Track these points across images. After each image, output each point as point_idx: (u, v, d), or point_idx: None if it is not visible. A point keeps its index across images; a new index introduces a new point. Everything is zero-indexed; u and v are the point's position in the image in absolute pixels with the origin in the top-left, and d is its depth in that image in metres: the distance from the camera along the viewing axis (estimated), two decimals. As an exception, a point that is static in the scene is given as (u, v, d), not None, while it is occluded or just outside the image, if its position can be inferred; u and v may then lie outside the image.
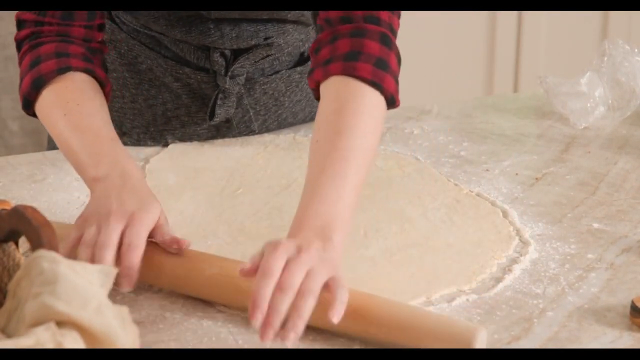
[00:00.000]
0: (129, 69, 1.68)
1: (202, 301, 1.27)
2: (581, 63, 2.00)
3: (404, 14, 1.46)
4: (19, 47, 1.50)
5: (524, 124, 1.82)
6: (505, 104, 1.92)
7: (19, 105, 3.11)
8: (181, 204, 1.51)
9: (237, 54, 1.64)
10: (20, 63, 1.48)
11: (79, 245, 1.24)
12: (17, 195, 1.52)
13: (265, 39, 1.65)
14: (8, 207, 1.15)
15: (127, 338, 1.01)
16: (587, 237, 1.44)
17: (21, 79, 1.46)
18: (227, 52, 1.63)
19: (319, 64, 1.37)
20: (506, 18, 3.34)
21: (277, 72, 1.69)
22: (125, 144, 1.68)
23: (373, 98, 1.33)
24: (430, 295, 1.29)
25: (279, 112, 1.72)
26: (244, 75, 1.65)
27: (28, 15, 1.48)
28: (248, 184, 1.57)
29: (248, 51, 1.65)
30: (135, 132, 1.70)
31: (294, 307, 1.12)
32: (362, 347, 1.19)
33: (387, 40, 1.36)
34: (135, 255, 1.22)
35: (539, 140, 1.75)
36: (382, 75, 1.34)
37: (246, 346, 1.19)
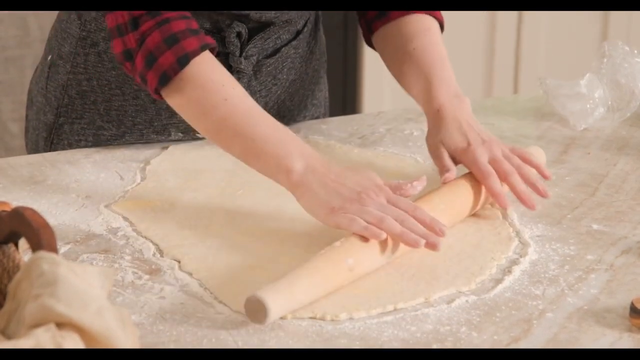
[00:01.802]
0: None
1: (202, 303, 1.27)
2: (581, 65, 2.00)
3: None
4: (135, 23, 1.46)
5: (523, 126, 1.82)
6: (505, 106, 1.93)
7: (19, 107, 3.11)
8: (181, 204, 1.52)
9: (252, 34, 1.65)
10: (141, 40, 1.46)
11: (382, 224, 1.31)
12: (17, 196, 1.52)
13: (283, 22, 1.66)
14: (8, 209, 1.15)
15: (127, 339, 1.01)
16: (587, 238, 1.44)
17: (153, 57, 1.45)
18: (243, 32, 1.63)
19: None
20: (506, 20, 3.34)
21: (278, 50, 1.69)
22: (127, 141, 1.69)
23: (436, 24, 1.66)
24: (429, 297, 1.29)
25: (278, 92, 1.72)
26: (256, 56, 1.66)
27: None
28: (248, 185, 1.57)
29: (264, 30, 1.65)
30: (137, 129, 1.69)
31: (524, 178, 1.46)
32: (363, 347, 1.19)
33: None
34: (423, 210, 1.36)
35: (539, 141, 1.75)
36: (433, 10, 1.65)
37: (246, 347, 1.19)
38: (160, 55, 1.45)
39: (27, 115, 1.80)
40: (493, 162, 1.48)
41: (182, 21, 1.47)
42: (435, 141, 1.53)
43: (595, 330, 1.23)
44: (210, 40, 1.47)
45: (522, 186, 1.46)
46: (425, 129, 1.79)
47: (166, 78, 1.45)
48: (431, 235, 1.33)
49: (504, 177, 1.46)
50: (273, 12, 1.62)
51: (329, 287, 1.27)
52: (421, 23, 1.64)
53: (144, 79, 1.47)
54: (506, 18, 3.34)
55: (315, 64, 1.79)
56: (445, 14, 1.69)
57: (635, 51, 1.82)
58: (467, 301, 1.29)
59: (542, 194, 1.46)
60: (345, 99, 3.28)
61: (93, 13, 1.66)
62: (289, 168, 1.38)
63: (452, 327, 1.23)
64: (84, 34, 1.67)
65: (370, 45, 1.71)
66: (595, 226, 1.47)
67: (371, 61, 3.22)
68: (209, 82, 1.44)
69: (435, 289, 1.30)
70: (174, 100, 1.47)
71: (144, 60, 1.46)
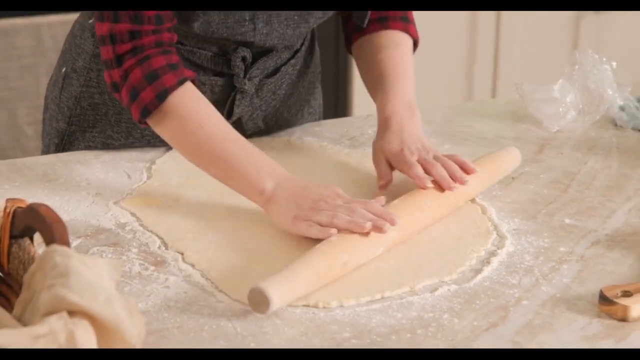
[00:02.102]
0: None
1: (204, 292, 1.27)
2: (554, 71, 2.00)
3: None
4: (119, 60, 1.48)
5: (501, 128, 1.82)
6: (484, 109, 1.92)
7: (34, 111, 3.11)
8: (184, 201, 1.51)
9: (255, 58, 1.64)
10: (124, 76, 1.47)
11: (335, 221, 1.33)
12: (32, 194, 1.52)
13: (285, 47, 1.66)
14: (23, 205, 1.14)
15: (134, 326, 1.01)
16: (560, 231, 1.44)
17: (136, 92, 1.46)
18: (247, 56, 1.62)
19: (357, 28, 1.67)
20: (485, 29, 3.34)
21: (278, 69, 1.69)
22: (134, 146, 1.69)
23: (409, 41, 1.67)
24: (414, 285, 1.29)
25: (277, 106, 1.72)
26: (259, 77, 1.66)
27: (122, 27, 1.46)
28: (246, 183, 1.57)
29: (267, 54, 1.65)
30: (145, 139, 1.69)
31: (448, 169, 1.47)
32: (353, 332, 1.19)
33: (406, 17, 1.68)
34: (378, 206, 1.37)
35: (515, 142, 1.75)
36: (408, 28, 1.67)
37: (244, 333, 1.18)
38: (141, 91, 1.47)
39: (43, 119, 1.80)
40: (420, 159, 1.49)
41: (162, 57, 1.48)
42: (376, 147, 1.54)
43: (567, 316, 1.23)
44: (188, 73, 1.49)
45: (442, 172, 1.46)
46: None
47: (147, 111, 1.47)
48: (378, 220, 1.34)
49: (427, 169, 1.47)
50: (276, 39, 1.61)
51: (325, 281, 1.28)
52: (393, 37, 1.65)
53: (129, 109, 1.49)
54: (485, 27, 3.34)
55: (311, 76, 1.79)
56: (430, 25, 1.69)
57: (604, 59, 1.82)
58: (449, 290, 1.29)
59: (459, 181, 1.46)
60: (337, 103, 3.27)
61: None
62: (261, 189, 1.40)
63: (435, 314, 1.23)
64: (97, 51, 1.65)
65: (350, 53, 1.72)
66: (567, 220, 1.47)
67: (360, 68, 3.22)
68: (186, 111, 1.46)
69: (419, 278, 1.30)
70: (156, 129, 1.50)
71: (128, 94, 1.48)
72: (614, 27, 3.40)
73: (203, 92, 1.63)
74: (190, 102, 1.47)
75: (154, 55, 1.47)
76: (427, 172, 1.47)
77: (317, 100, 1.84)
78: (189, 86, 1.48)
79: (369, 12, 1.66)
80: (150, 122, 1.49)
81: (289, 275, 1.24)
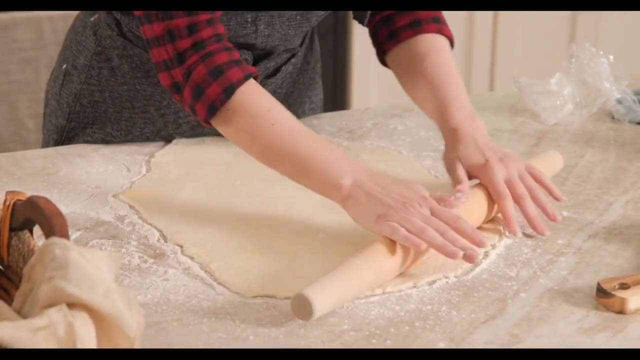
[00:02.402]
0: (141, 81, 1.64)
1: (203, 284, 1.27)
2: (551, 65, 2.00)
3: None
4: (180, 58, 1.42)
5: (499, 121, 1.82)
6: (482, 102, 1.92)
7: (35, 104, 3.10)
8: (183, 194, 1.51)
9: (257, 60, 1.63)
10: (187, 74, 1.41)
11: (422, 234, 1.27)
12: (32, 187, 1.52)
13: (286, 49, 1.64)
14: (23, 198, 1.14)
15: (133, 319, 1.01)
16: (557, 224, 1.44)
17: (201, 89, 1.40)
18: (249, 59, 1.61)
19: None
20: (483, 23, 3.33)
21: (279, 69, 1.68)
22: (134, 142, 1.68)
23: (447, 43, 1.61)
24: (417, 282, 1.28)
25: None
26: (260, 79, 1.65)
27: (179, 22, 1.41)
28: (245, 176, 1.57)
29: (268, 57, 1.64)
30: (144, 137, 1.68)
31: (536, 201, 1.41)
32: (351, 325, 1.19)
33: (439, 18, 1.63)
34: (465, 222, 1.31)
35: (513, 135, 1.75)
36: (442, 29, 1.61)
37: (243, 326, 1.18)
38: (207, 87, 1.40)
39: (44, 114, 1.79)
40: (508, 182, 1.42)
41: (224, 53, 1.42)
42: (452, 157, 1.48)
43: (565, 308, 1.23)
44: (252, 69, 1.43)
45: (533, 212, 1.40)
46: (409, 123, 1.80)
47: (214, 108, 1.41)
48: (469, 248, 1.28)
49: (517, 200, 1.41)
50: (277, 41, 1.60)
51: (364, 290, 1.25)
52: (432, 43, 1.59)
53: (193, 109, 1.43)
54: (483, 21, 3.33)
55: (311, 72, 1.78)
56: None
57: (601, 52, 1.82)
58: (447, 282, 1.28)
59: (552, 219, 1.41)
60: (336, 96, 3.27)
61: (108, 31, 1.63)
62: (339, 185, 1.33)
63: (434, 307, 1.23)
64: (99, 49, 1.65)
65: (385, 65, 1.66)
66: (565, 213, 1.47)
67: (359, 61, 3.21)
68: (256, 108, 1.40)
69: (423, 274, 1.29)
70: (224, 129, 1.43)
71: (191, 93, 1.41)
72: (611, 21, 3.39)
73: None
74: (259, 98, 1.41)
75: (217, 51, 1.42)
76: (516, 202, 1.40)
77: (318, 95, 1.84)
78: (253, 82, 1.43)
79: (369, 12, 1.64)
80: (215, 121, 1.42)
81: (336, 284, 1.21)
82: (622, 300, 1.22)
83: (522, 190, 1.41)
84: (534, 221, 1.40)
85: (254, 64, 1.62)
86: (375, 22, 1.64)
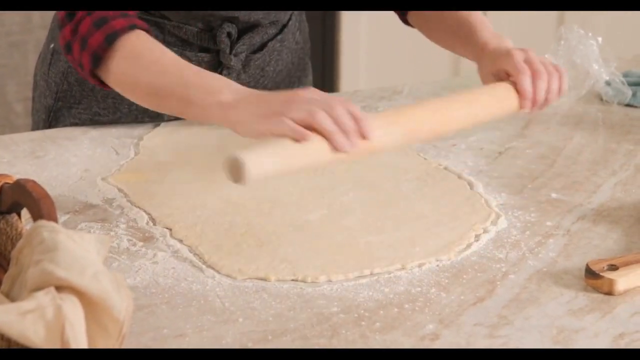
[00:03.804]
0: None
1: (192, 267, 1.26)
2: (540, 47, 1.99)
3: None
4: (70, 16, 1.40)
5: (487, 103, 1.81)
6: (471, 84, 1.90)
7: (23, 88, 3.09)
8: (172, 177, 1.50)
9: (242, 33, 1.63)
10: (75, 30, 1.40)
11: (308, 132, 1.19)
12: (20, 170, 1.51)
13: (272, 22, 1.64)
14: (11, 181, 1.13)
15: (122, 302, 1.00)
16: (546, 206, 1.44)
17: (84, 40, 1.38)
18: (233, 32, 1.61)
19: None
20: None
21: (265, 44, 1.68)
22: (122, 122, 1.68)
23: None
24: (406, 264, 1.28)
25: (265, 82, 1.71)
26: (244, 53, 1.64)
27: None
28: (234, 159, 1.56)
29: (252, 29, 1.63)
30: (132, 114, 1.68)
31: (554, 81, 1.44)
32: (340, 307, 1.18)
33: None
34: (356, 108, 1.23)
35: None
36: None
37: (232, 308, 1.18)
38: (90, 37, 1.38)
39: (33, 97, 1.78)
40: (528, 61, 1.44)
41: (115, 12, 1.40)
42: (484, 72, 1.50)
43: (554, 290, 1.23)
44: (142, 23, 1.40)
45: (541, 94, 1.43)
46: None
47: (97, 57, 1.38)
48: (355, 144, 1.20)
49: (534, 76, 1.43)
50: (261, 13, 1.60)
51: (306, 160, 1.19)
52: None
53: (81, 65, 1.40)
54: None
55: (300, 53, 1.78)
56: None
57: (590, 34, 1.82)
58: (437, 265, 1.28)
59: (541, 108, 1.45)
60: (324, 79, 3.26)
61: None
62: (219, 101, 1.26)
63: (423, 289, 1.23)
64: None
65: (407, 23, 1.69)
66: (554, 195, 1.47)
67: (348, 44, 3.21)
68: (139, 49, 1.37)
69: (412, 257, 1.29)
70: (109, 77, 1.39)
71: (79, 46, 1.40)
72: (600, 3, 3.39)
73: None
74: (143, 42, 1.38)
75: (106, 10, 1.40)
76: (534, 79, 1.43)
77: (308, 77, 1.83)
78: (141, 33, 1.39)
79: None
80: (100, 71, 1.38)
81: (268, 146, 1.16)
82: (611, 282, 1.22)
83: (540, 67, 1.44)
84: (535, 101, 1.43)
85: (239, 37, 1.62)
86: None
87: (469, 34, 1.55)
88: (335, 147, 1.20)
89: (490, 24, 1.57)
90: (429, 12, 1.63)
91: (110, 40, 1.37)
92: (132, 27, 1.39)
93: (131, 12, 1.42)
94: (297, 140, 1.19)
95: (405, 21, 1.69)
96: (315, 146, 1.20)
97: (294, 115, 1.19)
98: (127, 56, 1.37)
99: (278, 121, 1.19)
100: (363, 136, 1.22)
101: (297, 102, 1.21)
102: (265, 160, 1.16)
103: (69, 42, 1.41)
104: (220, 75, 1.33)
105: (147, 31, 1.41)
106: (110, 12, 1.39)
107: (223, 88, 1.28)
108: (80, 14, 1.40)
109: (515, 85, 1.43)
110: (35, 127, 1.75)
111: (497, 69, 1.46)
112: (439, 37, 1.63)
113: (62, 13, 1.43)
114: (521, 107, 1.43)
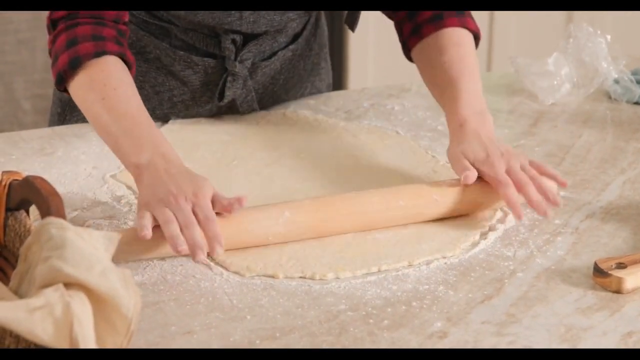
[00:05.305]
0: (136, 58, 1.63)
1: (200, 264, 1.26)
2: (549, 45, 1.99)
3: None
4: (54, 25, 1.47)
5: (496, 101, 1.81)
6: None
7: (31, 85, 3.09)
8: (180, 175, 1.50)
9: (247, 40, 1.62)
10: (53, 41, 1.46)
11: (164, 226, 1.25)
12: (29, 167, 1.51)
13: (277, 30, 1.64)
14: (19, 178, 1.14)
15: (130, 299, 1.01)
16: (554, 204, 1.43)
17: (56, 57, 1.44)
18: (238, 39, 1.61)
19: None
20: (480, 4, 3.33)
21: (275, 53, 1.67)
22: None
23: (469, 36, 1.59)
24: (413, 261, 1.28)
25: (275, 89, 1.71)
26: (251, 60, 1.64)
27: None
28: (242, 156, 1.56)
29: (257, 37, 1.63)
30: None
31: (538, 188, 1.38)
32: (348, 305, 1.18)
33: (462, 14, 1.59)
34: (215, 224, 1.26)
35: (510, 115, 1.75)
36: (466, 22, 1.58)
37: (240, 306, 1.18)
38: (60, 55, 1.44)
39: (54, 90, 1.79)
40: (509, 172, 1.39)
41: (89, 26, 1.44)
42: (456, 152, 1.44)
43: (562, 288, 1.23)
44: (112, 47, 1.44)
45: (536, 196, 1.37)
46: (407, 104, 1.80)
47: (61, 78, 1.44)
48: (198, 246, 1.24)
49: (518, 187, 1.37)
50: (264, 26, 1.60)
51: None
52: (451, 37, 1.56)
53: (53, 74, 1.47)
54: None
55: (314, 58, 1.76)
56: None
57: (599, 32, 1.82)
58: (445, 262, 1.28)
59: (554, 203, 1.37)
60: (333, 77, 3.26)
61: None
62: (135, 162, 1.34)
63: (431, 286, 1.23)
64: None
65: (411, 60, 1.64)
66: (562, 193, 1.47)
67: (356, 42, 3.20)
68: (93, 82, 1.42)
69: (419, 254, 1.29)
70: (71, 96, 1.46)
71: (52, 59, 1.46)
72: (608, 1, 3.38)
73: (196, 73, 1.63)
74: (101, 74, 1.42)
75: (83, 23, 1.45)
76: (518, 190, 1.37)
77: (324, 81, 1.82)
78: (108, 59, 1.43)
79: (359, 16, 1.61)
80: (65, 89, 1.46)
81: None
82: (619, 280, 1.21)
83: (523, 177, 1.38)
84: (536, 205, 1.37)
85: (244, 44, 1.62)
86: (399, 18, 1.62)
87: (452, 100, 1.50)
88: (174, 250, 1.25)
89: (480, 85, 1.52)
90: (426, 61, 1.58)
91: (73, 65, 1.43)
92: (99, 54, 1.43)
93: (102, 32, 1.44)
94: (138, 235, 1.25)
95: (409, 57, 1.64)
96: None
97: (158, 216, 1.27)
98: (82, 85, 1.43)
99: (141, 215, 1.27)
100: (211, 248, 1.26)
101: (168, 205, 1.27)
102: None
103: (49, 50, 1.48)
104: (158, 131, 1.38)
105: (122, 54, 1.45)
106: (86, 30, 1.44)
107: (143, 152, 1.34)
108: (60, 26, 1.45)
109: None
110: (52, 119, 1.76)
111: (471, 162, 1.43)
112: (429, 87, 1.59)
113: (47, 19, 1.48)
114: (515, 216, 1.37)
